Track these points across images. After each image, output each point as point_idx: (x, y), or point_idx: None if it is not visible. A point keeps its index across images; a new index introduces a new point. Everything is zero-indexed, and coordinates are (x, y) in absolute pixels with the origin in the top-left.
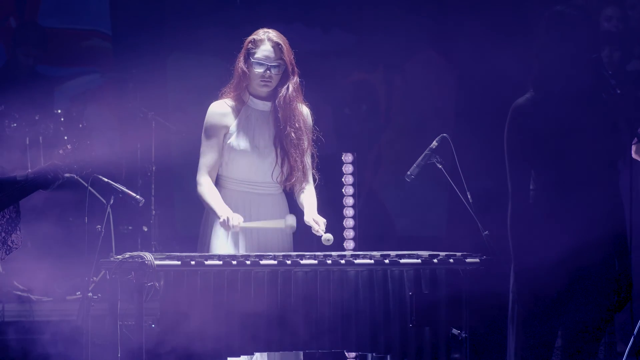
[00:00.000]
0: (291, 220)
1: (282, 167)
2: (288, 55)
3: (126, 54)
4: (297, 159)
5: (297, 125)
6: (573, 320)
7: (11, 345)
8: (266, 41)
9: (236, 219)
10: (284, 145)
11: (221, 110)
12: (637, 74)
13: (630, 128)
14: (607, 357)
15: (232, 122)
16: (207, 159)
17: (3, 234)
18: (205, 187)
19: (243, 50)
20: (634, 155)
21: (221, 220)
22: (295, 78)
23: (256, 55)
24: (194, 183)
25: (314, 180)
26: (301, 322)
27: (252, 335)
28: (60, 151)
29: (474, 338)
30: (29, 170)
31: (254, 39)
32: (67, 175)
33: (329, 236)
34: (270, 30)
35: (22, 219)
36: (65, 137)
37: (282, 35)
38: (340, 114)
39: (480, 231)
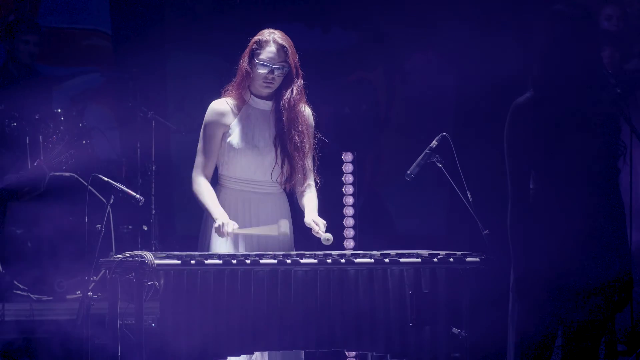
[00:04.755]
0: (284, 227)
1: (282, 167)
2: (293, 57)
3: (126, 53)
4: (298, 161)
5: (300, 128)
6: (573, 319)
7: (11, 345)
8: (271, 43)
9: (230, 226)
10: (285, 147)
11: (221, 108)
12: (637, 73)
13: (630, 127)
14: (607, 357)
15: (231, 121)
16: (204, 157)
17: None
18: (202, 186)
19: (247, 50)
20: None
21: (216, 225)
22: (299, 81)
23: (260, 57)
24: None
25: (316, 184)
26: (301, 321)
27: (252, 334)
28: (35, 164)
29: (474, 337)
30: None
31: (259, 39)
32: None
33: (329, 236)
34: (275, 32)
35: (22, 218)
36: (55, 136)
37: (287, 37)
38: (340, 113)
39: (480, 230)
